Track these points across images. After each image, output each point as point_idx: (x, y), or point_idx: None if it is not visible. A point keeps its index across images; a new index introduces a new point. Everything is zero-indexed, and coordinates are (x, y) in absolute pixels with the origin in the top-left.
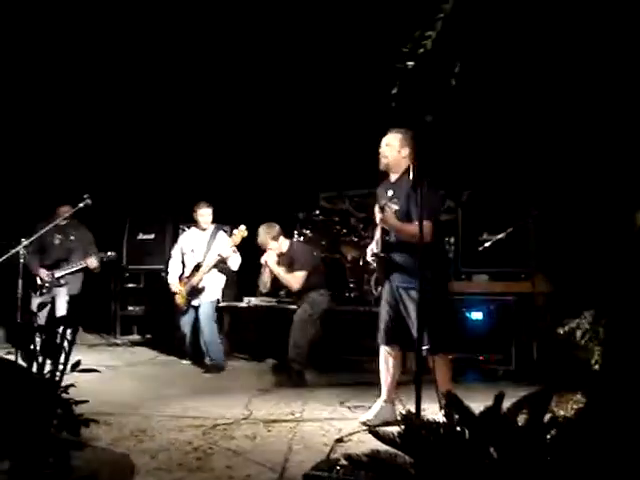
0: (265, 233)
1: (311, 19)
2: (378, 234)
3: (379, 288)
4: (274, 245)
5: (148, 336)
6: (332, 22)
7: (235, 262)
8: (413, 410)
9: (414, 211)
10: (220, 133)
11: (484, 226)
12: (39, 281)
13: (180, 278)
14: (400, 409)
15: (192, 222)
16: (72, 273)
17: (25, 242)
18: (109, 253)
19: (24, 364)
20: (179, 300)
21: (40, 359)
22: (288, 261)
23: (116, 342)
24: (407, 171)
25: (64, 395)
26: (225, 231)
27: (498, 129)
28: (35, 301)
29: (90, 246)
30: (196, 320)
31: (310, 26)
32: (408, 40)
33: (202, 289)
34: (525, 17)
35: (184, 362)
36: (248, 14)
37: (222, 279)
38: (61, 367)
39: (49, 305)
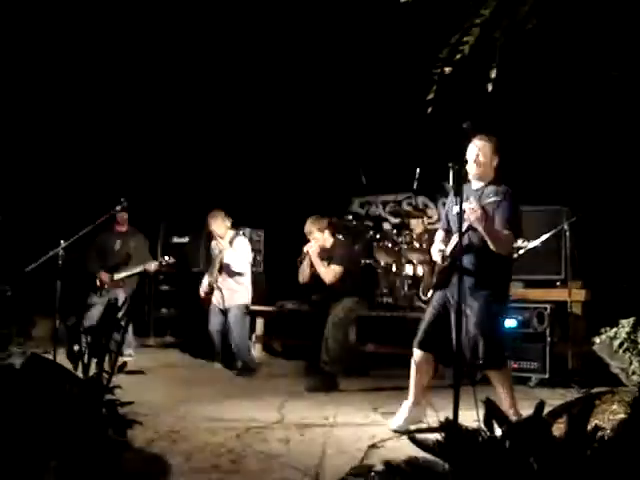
0: (312, 223)
1: (348, 23)
2: (456, 237)
3: (429, 292)
4: (319, 236)
5: (181, 338)
6: (370, 27)
7: (233, 259)
8: (440, 418)
9: (499, 221)
10: (255, 137)
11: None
12: (99, 283)
13: None
14: (429, 412)
15: None
16: (130, 276)
17: (64, 244)
18: (167, 258)
19: (65, 364)
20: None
21: (86, 359)
22: (328, 256)
23: (149, 344)
24: (493, 181)
25: (109, 396)
26: (244, 234)
27: (535, 133)
28: (93, 301)
29: (146, 251)
30: (226, 323)
31: (347, 31)
32: (445, 45)
33: (227, 291)
34: (565, 23)
35: (216, 365)
36: (283, 18)
37: (247, 283)
38: (108, 368)
39: (99, 307)
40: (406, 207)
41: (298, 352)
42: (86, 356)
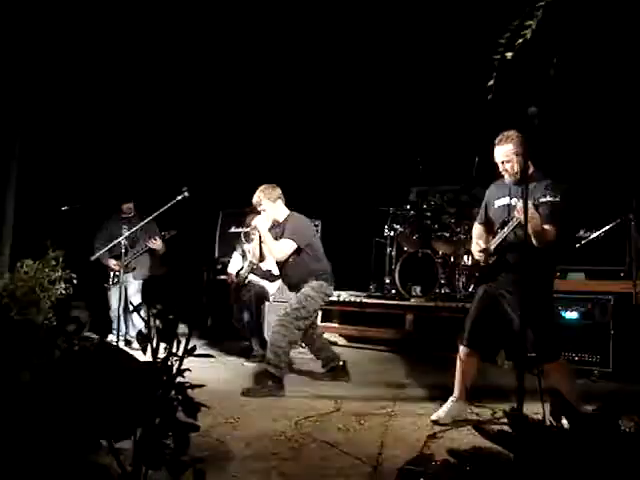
0: (261, 191)
1: (408, 11)
2: (505, 231)
3: (472, 286)
4: (269, 207)
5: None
6: (429, 14)
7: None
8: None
9: (542, 216)
10: (314, 128)
11: (582, 222)
12: (111, 272)
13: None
14: (472, 409)
15: None
16: (137, 257)
17: (126, 234)
18: (169, 231)
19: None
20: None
21: (154, 343)
22: (281, 232)
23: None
24: (533, 175)
25: (180, 379)
26: None
27: (598, 121)
28: (111, 293)
29: (152, 231)
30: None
31: (406, 18)
32: (506, 30)
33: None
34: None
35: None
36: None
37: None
38: (176, 351)
39: (123, 293)
40: (464, 197)
41: (355, 341)
42: (155, 340)
